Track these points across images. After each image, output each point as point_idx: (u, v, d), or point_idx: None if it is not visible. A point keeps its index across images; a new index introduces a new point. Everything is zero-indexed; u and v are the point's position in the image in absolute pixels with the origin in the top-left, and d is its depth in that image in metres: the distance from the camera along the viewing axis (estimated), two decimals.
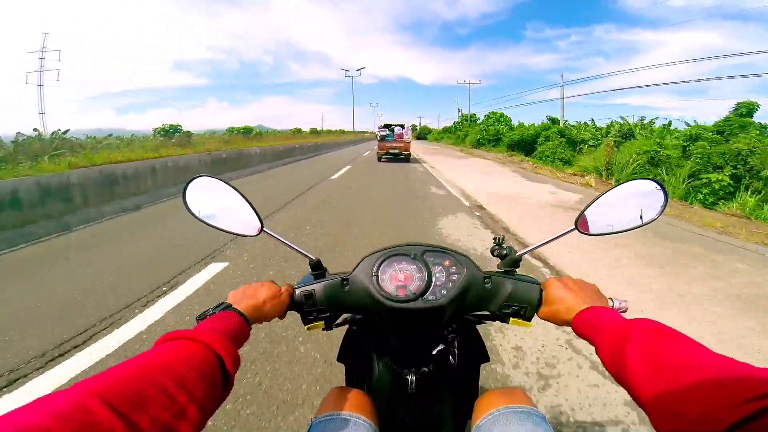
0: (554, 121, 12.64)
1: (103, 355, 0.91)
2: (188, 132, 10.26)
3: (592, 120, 10.38)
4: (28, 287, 1.31)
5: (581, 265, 1.53)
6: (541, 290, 0.33)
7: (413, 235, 2.07)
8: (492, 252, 0.39)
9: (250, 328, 0.29)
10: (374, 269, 0.34)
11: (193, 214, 0.36)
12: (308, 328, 0.36)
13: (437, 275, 0.34)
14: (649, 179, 0.33)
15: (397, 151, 7.99)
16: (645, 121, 8.42)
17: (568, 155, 8.27)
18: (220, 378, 0.22)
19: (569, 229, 0.34)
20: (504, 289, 0.34)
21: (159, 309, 1.13)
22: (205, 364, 0.21)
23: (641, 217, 0.33)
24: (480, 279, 0.34)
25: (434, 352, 0.38)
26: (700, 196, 3.58)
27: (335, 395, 0.37)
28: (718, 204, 3.36)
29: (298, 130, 20.75)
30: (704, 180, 3.59)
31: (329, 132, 25.43)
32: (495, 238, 0.39)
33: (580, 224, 0.34)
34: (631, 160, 4.82)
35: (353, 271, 0.35)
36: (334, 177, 4.76)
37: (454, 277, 0.34)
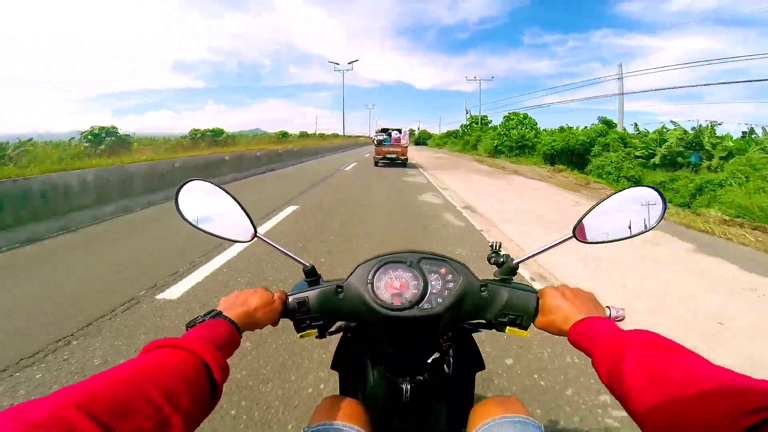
0: (609, 124, 11.11)
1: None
2: (124, 136, 10.34)
3: (635, 125, 10.19)
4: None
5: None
6: (537, 299, 0.40)
7: None
8: (488, 260, 0.48)
9: (241, 336, 0.35)
10: (369, 276, 0.42)
11: (185, 219, 0.45)
12: (301, 336, 0.43)
13: (433, 283, 0.42)
14: (648, 186, 0.43)
15: (394, 155, 10.05)
16: (702, 126, 7.47)
17: (638, 172, 7.34)
18: (208, 387, 0.27)
19: (567, 236, 0.43)
20: (500, 298, 0.41)
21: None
22: (193, 373, 0.26)
23: (639, 224, 0.42)
24: (476, 287, 0.42)
25: (429, 361, 0.46)
26: None
27: (328, 404, 0.44)
28: None
29: (284, 134, 22.90)
30: None
31: (321, 136, 28.98)
32: (492, 246, 0.49)
33: (578, 232, 0.43)
34: None
35: (348, 278, 0.43)
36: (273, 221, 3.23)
37: (450, 285, 0.41)
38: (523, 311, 0.40)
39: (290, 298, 0.43)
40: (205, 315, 0.35)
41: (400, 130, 10.57)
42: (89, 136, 10.04)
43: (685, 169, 7.33)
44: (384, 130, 10.71)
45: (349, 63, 29.49)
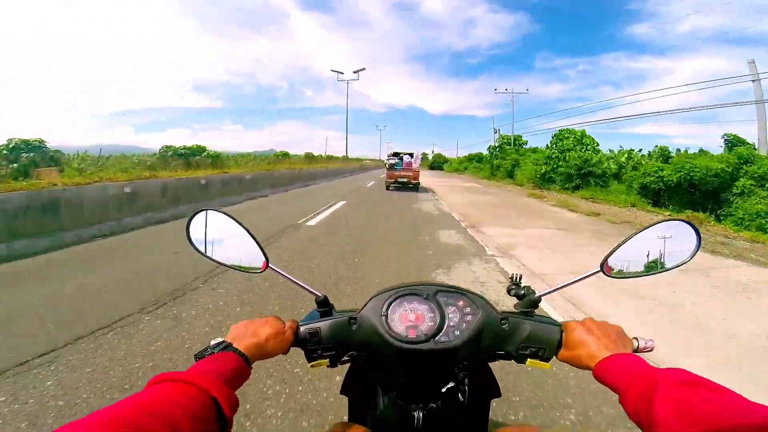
0: (742, 142, 10.34)
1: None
2: (53, 152, 10.25)
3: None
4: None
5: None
6: (561, 332, 0.48)
7: None
8: (509, 291, 0.57)
9: (250, 368, 0.43)
10: (383, 309, 0.52)
11: (196, 249, 0.57)
12: (312, 366, 0.53)
13: (450, 315, 0.51)
14: (681, 220, 0.53)
15: (405, 180, 13.11)
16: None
17: None
18: (216, 422, 0.33)
19: (594, 271, 0.52)
20: (522, 331, 0.50)
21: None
22: (199, 408, 0.32)
23: (672, 259, 0.51)
24: (496, 320, 0.51)
25: (444, 390, 0.53)
26: None
27: (336, 431, 0.52)
28: None
29: (285, 154, 25.28)
30: None
31: (329, 158, 32.14)
32: (512, 277, 0.58)
33: (606, 267, 0.52)
34: None
35: (362, 309, 0.53)
36: None
37: (469, 317, 0.50)
38: (545, 344, 0.49)
39: (302, 329, 0.53)
40: (214, 347, 0.44)
41: (411, 155, 13.65)
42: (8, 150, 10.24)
43: None
44: (396, 154, 13.86)
45: (355, 72, 30.44)
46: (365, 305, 0.54)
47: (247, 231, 0.58)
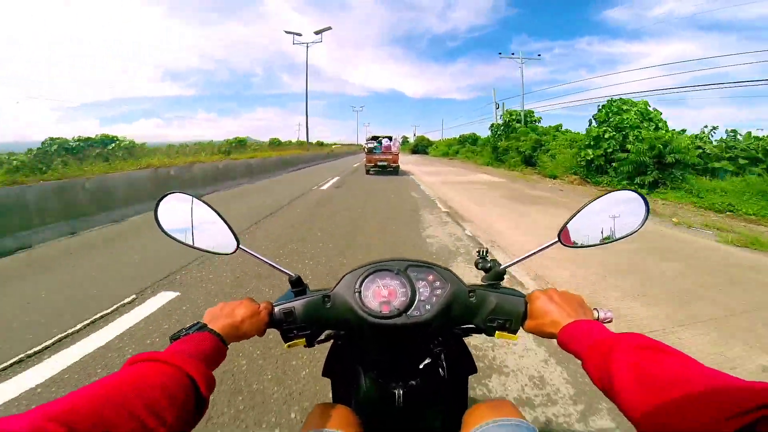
0: None
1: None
2: None
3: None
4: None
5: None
6: (525, 303, 0.68)
7: None
8: (476, 265, 0.78)
9: (227, 348, 0.58)
10: (357, 285, 0.70)
11: (165, 232, 0.74)
12: (288, 346, 0.71)
13: (421, 290, 0.70)
14: (630, 190, 0.74)
15: (385, 163, 16.50)
16: None
17: None
18: (193, 401, 0.43)
19: (552, 241, 0.74)
20: (488, 303, 0.70)
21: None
22: (177, 387, 0.41)
23: (623, 228, 0.73)
24: (464, 293, 0.71)
25: (421, 366, 0.74)
26: None
27: (319, 412, 0.71)
28: None
29: (242, 141, 26.47)
30: None
31: (301, 144, 34.74)
32: (479, 251, 0.80)
33: (563, 236, 0.73)
34: None
35: (335, 287, 0.72)
36: None
37: (438, 291, 0.70)
38: (511, 315, 0.69)
39: (276, 309, 0.71)
40: (189, 328, 0.58)
41: (390, 138, 17.26)
42: None
43: None
44: (374, 138, 17.49)
45: (316, 33, 29.26)
46: (338, 283, 0.73)
47: (218, 213, 0.75)
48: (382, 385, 0.76)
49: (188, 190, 0.75)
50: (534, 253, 0.75)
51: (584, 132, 14.60)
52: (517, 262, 0.79)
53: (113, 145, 14.41)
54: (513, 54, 25.13)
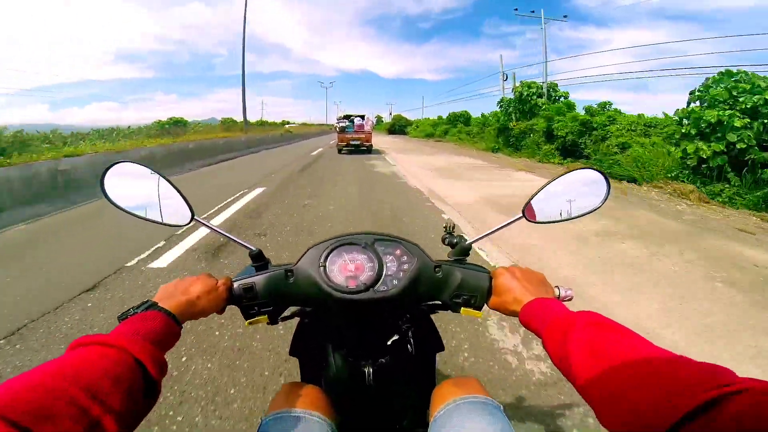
0: None
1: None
2: None
3: None
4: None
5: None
6: (490, 279, 0.88)
7: None
8: (443, 240, 1.00)
9: (180, 328, 0.69)
10: (322, 259, 0.88)
11: (113, 203, 0.89)
12: (249, 323, 0.88)
13: (388, 265, 0.88)
14: (593, 168, 0.96)
15: (357, 142, 20.70)
16: None
17: None
18: (142, 385, 0.52)
19: (516, 217, 0.95)
20: (454, 278, 0.89)
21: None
22: (122, 370, 0.50)
23: (586, 205, 0.95)
24: (430, 268, 0.89)
25: (389, 343, 0.94)
26: None
27: (287, 391, 0.90)
28: None
29: (180, 121, 28.98)
30: None
31: (262, 123, 40.10)
32: (445, 227, 1.01)
33: (527, 212, 0.94)
34: None
35: (298, 261, 0.89)
36: None
37: (405, 266, 0.88)
38: (476, 291, 0.88)
39: (236, 284, 0.87)
40: (138, 307, 0.68)
41: (363, 116, 21.76)
42: None
43: None
44: (347, 117, 21.95)
45: None
46: (301, 257, 0.90)
47: (170, 183, 0.91)
48: (352, 363, 0.96)
49: None
50: (498, 229, 0.96)
51: (663, 114, 13.26)
52: (483, 237, 1.00)
53: None
54: (533, 12, 24.60)
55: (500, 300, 0.86)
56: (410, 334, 0.97)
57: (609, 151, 13.88)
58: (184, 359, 2.62)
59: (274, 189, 9.42)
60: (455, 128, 39.86)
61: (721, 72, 10.97)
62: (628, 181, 11.53)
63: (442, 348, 1.09)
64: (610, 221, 6.71)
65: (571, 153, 16.61)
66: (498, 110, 26.50)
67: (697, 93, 11.02)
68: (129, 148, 13.44)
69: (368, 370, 0.94)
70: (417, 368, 1.03)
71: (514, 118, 23.06)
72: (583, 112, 17.64)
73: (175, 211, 0.92)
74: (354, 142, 21.04)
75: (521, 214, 0.95)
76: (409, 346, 0.95)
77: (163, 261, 4.57)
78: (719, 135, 9.84)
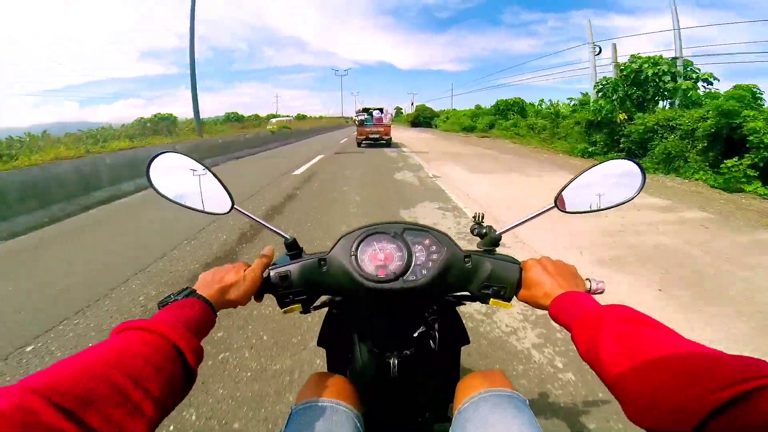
0: None
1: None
2: None
3: None
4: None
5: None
6: (520, 270, 1.14)
7: None
8: (472, 231, 1.31)
9: (216, 316, 0.95)
10: (353, 248, 1.15)
11: (158, 192, 1.21)
12: (284, 311, 1.18)
13: (417, 254, 1.15)
14: (628, 159, 1.24)
15: (377, 135, 27.80)
16: None
17: None
18: (181, 372, 0.71)
19: (549, 207, 1.24)
20: (484, 269, 1.16)
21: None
22: (163, 357, 0.68)
23: (619, 196, 1.22)
24: (460, 258, 1.16)
25: (415, 335, 1.23)
26: None
27: (315, 381, 1.23)
28: None
29: (165, 118, 31.00)
30: None
31: (277, 118, 42.24)
32: (474, 216, 1.32)
33: (559, 202, 1.23)
34: None
35: (331, 250, 1.19)
36: None
37: (434, 256, 1.14)
38: (506, 283, 1.11)
39: (272, 273, 1.12)
40: (177, 294, 0.89)
41: (381, 110, 28.39)
42: None
43: None
44: (365, 110, 28.89)
45: None
46: (334, 246, 1.16)
47: (212, 173, 1.20)
48: (377, 354, 1.23)
49: None
50: (530, 218, 1.23)
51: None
52: (514, 227, 1.26)
53: None
54: None
55: (530, 293, 1.08)
56: (436, 326, 1.22)
57: None
58: None
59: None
60: (506, 120, 38.46)
61: None
62: None
63: (467, 341, 1.36)
64: None
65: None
66: (586, 96, 25.34)
67: None
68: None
69: (393, 361, 1.18)
70: (442, 361, 1.29)
71: (617, 106, 19.29)
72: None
73: (216, 200, 1.20)
74: (373, 136, 27.46)
75: (553, 204, 1.22)
76: (434, 338, 1.20)
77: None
78: None
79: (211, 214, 1.22)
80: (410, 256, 1.12)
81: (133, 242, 7.29)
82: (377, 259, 1.12)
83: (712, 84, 18.32)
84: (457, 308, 1.39)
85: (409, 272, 1.10)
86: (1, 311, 4.75)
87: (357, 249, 1.13)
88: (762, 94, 15.21)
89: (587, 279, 1.09)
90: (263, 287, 1.13)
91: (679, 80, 18.60)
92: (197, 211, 1.21)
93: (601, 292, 1.08)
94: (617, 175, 1.22)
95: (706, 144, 13.94)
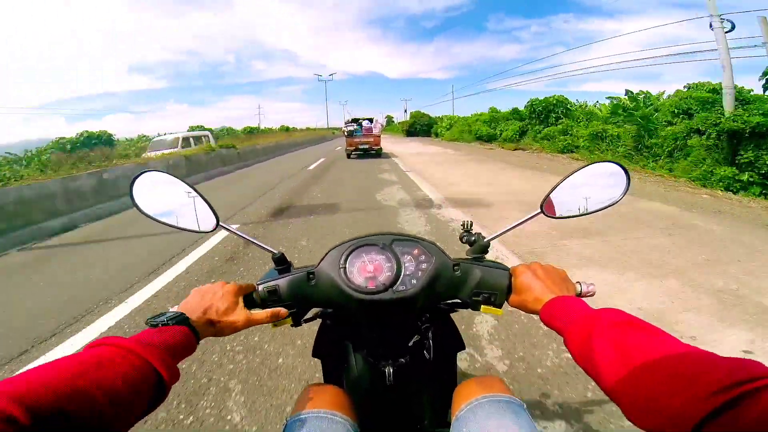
0: None
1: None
2: None
3: None
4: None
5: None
6: (510, 276, 1.28)
7: None
8: (461, 239, 1.43)
9: (197, 343, 1.05)
10: (342, 261, 1.30)
11: (141, 211, 1.32)
12: (274, 325, 1.30)
13: (407, 265, 1.29)
14: (612, 161, 1.36)
15: (366, 146, 30.31)
16: None
17: None
18: (153, 391, 0.84)
19: (535, 212, 1.34)
20: (473, 276, 1.31)
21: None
22: (141, 379, 0.81)
23: (605, 199, 1.34)
24: (449, 267, 1.31)
25: (410, 344, 1.36)
26: None
27: (310, 392, 1.37)
28: None
29: (97, 136, 31.26)
30: None
31: (268, 131, 48.90)
32: (463, 224, 1.44)
33: (546, 207, 1.34)
34: None
35: (319, 263, 1.32)
36: None
37: (423, 265, 1.30)
38: (496, 289, 1.27)
39: (260, 287, 1.27)
40: (170, 318, 0.99)
41: (371, 120, 31.64)
42: None
43: None
44: (354, 120, 31.76)
45: None
46: (322, 259, 1.27)
47: (196, 191, 1.28)
48: (373, 363, 1.35)
49: None
50: (517, 225, 1.35)
51: None
52: (501, 234, 1.38)
53: None
54: None
55: (520, 298, 1.20)
56: (430, 333, 1.34)
57: None
58: None
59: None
60: (545, 126, 32.27)
61: None
62: None
63: (463, 347, 1.49)
64: None
65: None
66: (633, 96, 21.79)
67: None
68: None
69: (388, 370, 1.33)
70: (437, 367, 1.41)
71: None
72: None
73: (201, 217, 1.33)
74: (362, 146, 30.12)
75: (539, 210, 1.33)
76: (429, 346, 1.31)
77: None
78: None
79: (197, 232, 1.35)
80: (399, 266, 1.27)
81: None
82: (366, 271, 1.27)
83: None
84: (450, 315, 1.54)
85: (398, 282, 1.25)
86: None
87: (346, 261, 1.28)
88: None
89: (578, 282, 1.22)
90: (252, 302, 1.28)
91: None
92: (181, 229, 1.34)
93: (592, 295, 1.20)
94: (602, 178, 1.38)
95: None
